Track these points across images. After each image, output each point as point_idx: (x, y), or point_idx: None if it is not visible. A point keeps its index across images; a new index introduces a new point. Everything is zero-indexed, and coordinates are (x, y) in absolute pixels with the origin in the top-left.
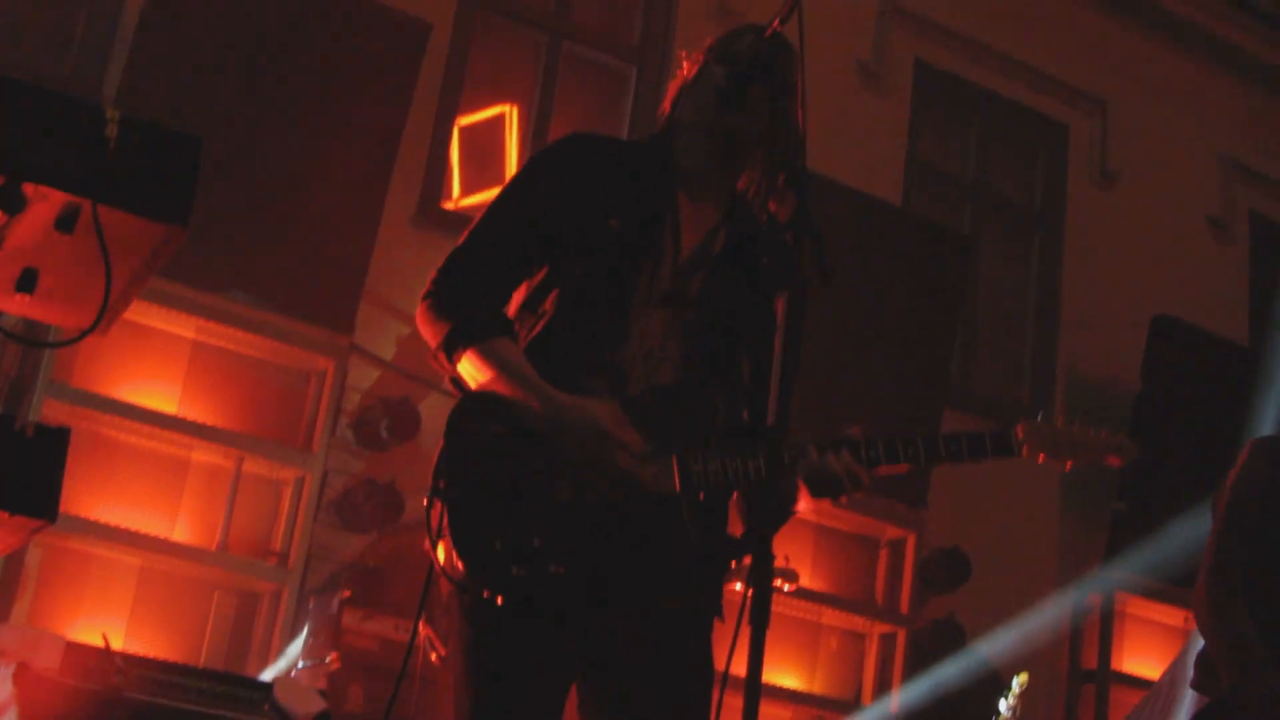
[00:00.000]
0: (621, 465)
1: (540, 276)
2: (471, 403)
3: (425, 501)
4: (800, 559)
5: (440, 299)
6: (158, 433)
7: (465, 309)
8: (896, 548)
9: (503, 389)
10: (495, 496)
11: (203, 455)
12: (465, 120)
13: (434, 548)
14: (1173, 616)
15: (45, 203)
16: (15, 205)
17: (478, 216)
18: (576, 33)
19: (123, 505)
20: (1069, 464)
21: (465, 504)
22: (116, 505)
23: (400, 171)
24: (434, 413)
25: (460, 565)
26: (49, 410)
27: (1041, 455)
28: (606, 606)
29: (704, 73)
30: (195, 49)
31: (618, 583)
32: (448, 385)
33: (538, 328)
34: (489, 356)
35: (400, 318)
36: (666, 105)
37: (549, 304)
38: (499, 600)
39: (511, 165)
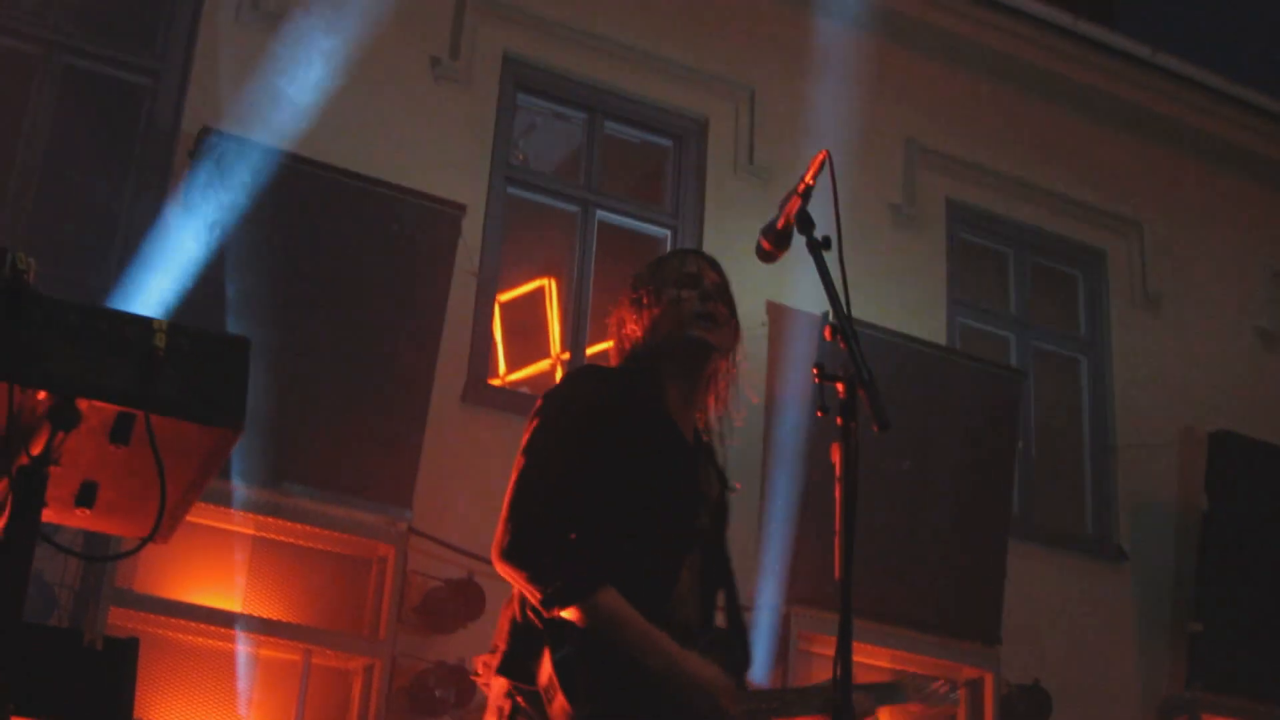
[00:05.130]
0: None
1: (595, 519)
2: (590, 641)
3: None
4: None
5: (523, 555)
6: (224, 632)
7: (555, 563)
8: (975, 688)
9: (617, 639)
10: None
11: (270, 650)
12: (505, 296)
13: None
14: None
15: (98, 416)
16: (69, 421)
17: (523, 461)
18: (607, 202)
19: (195, 706)
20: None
21: None
22: (189, 707)
23: (445, 351)
24: (498, 590)
25: None
26: (115, 618)
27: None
28: None
29: (663, 298)
30: (234, 249)
31: None
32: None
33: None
34: (597, 612)
35: (456, 497)
36: (625, 338)
37: (610, 551)
38: None
39: (555, 338)
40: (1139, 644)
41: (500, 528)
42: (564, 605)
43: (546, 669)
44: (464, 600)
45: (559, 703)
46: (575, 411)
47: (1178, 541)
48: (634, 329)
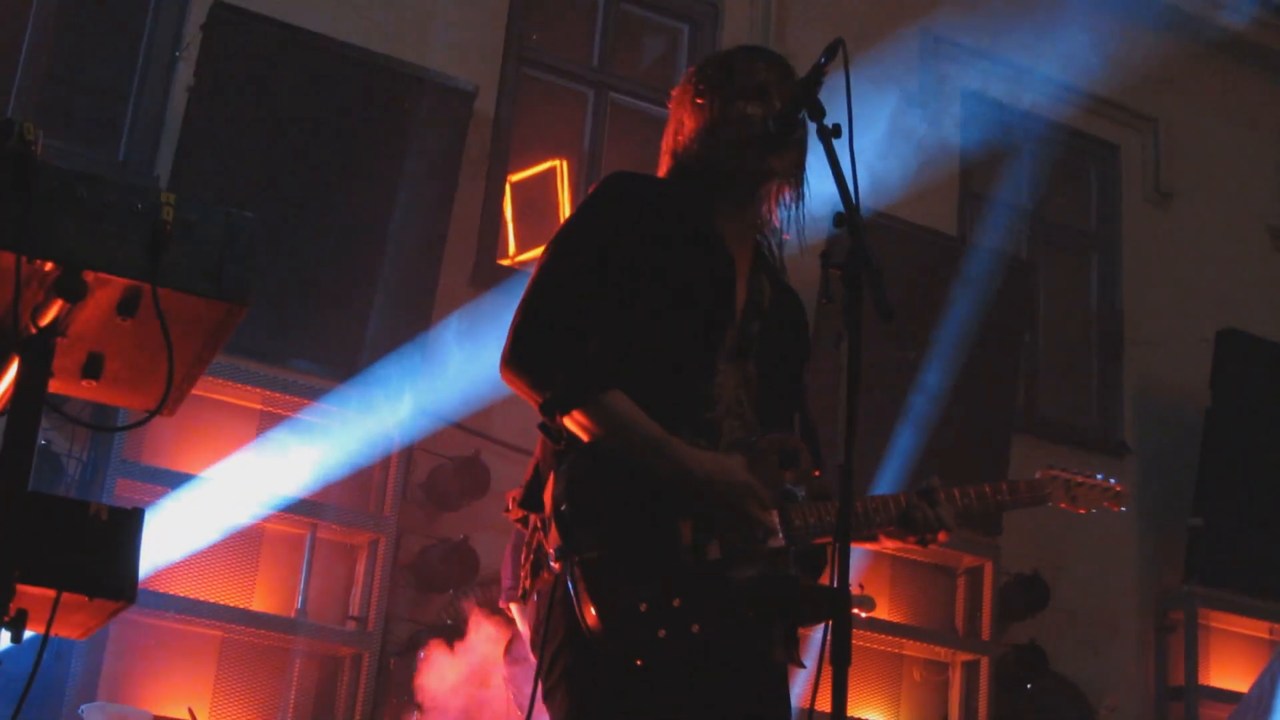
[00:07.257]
0: (756, 515)
1: (615, 324)
2: (590, 459)
3: (554, 563)
4: (878, 591)
5: (528, 360)
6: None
7: (560, 368)
8: (974, 575)
9: (623, 444)
10: (629, 556)
11: (276, 524)
12: (516, 177)
13: (575, 608)
14: (1257, 628)
15: (106, 289)
16: (76, 293)
17: (539, 266)
18: (621, 84)
19: (199, 578)
20: (1081, 510)
21: (603, 565)
22: (194, 578)
23: (455, 231)
24: (502, 468)
25: (601, 628)
26: (121, 489)
27: (1062, 503)
28: (728, 662)
29: (730, 111)
30: (244, 125)
31: (738, 638)
32: (538, 432)
33: (625, 381)
34: (601, 415)
35: (464, 375)
36: (679, 143)
37: (631, 356)
38: (639, 663)
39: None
40: (1139, 538)
41: (508, 335)
42: (565, 409)
43: (548, 496)
44: (469, 478)
45: (552, 535)
46: (597, 215)
47: (1181, 437)
48: (690, 136)
